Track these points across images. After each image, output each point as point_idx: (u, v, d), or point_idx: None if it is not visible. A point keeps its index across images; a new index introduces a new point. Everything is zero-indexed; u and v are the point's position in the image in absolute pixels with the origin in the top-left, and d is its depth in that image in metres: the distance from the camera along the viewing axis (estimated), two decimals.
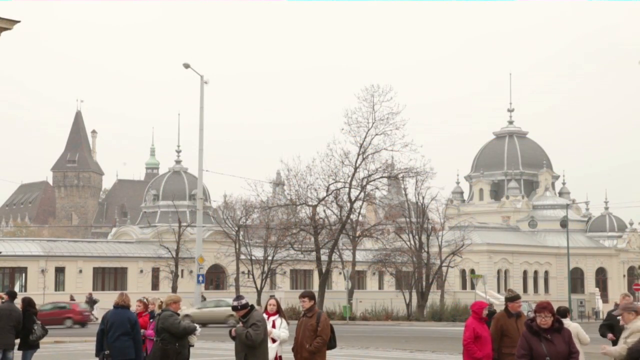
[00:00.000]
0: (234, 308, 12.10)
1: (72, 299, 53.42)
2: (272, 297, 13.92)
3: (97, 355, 14.22)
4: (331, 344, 12.51)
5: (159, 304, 15.07)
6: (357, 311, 58.15)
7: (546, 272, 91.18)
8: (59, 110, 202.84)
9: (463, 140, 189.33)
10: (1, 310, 16.65)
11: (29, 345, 16.98)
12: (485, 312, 12.99)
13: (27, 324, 16.82)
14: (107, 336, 13.86)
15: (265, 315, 13.08)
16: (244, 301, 12.10)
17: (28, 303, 17.06)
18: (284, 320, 13.17)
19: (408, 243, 61.97)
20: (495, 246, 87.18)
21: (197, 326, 13.57)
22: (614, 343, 13.96)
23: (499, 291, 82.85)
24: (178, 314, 13.14)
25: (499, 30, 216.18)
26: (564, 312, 16.36)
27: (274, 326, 12.99)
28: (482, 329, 12.68)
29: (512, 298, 13.13)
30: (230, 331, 12.26)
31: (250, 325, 11.84)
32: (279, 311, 13.24)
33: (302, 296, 12.61)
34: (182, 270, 64.82)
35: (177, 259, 62.28)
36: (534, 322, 9.32)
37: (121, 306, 14.06)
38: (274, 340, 12.88)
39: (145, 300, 16.54)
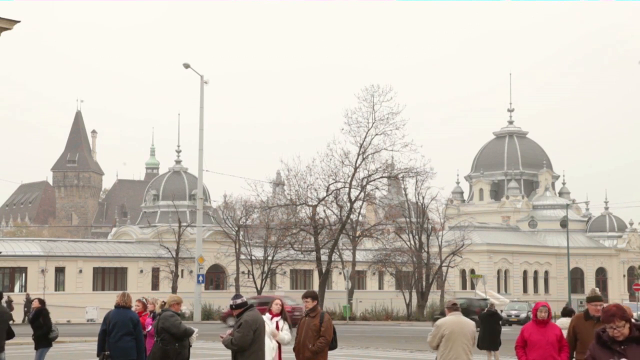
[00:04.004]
0: (230, 307, 11.73)
1: (9, 299, 52.74)
2: (279, 298, 13.78)
3: (98, 355, 14.13)
4: (332, 344, 12.45)
5: (160, 304, 15.06)
6: (357, 311, 58.14)
7: (546, 272, 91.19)
8: (59, 110, 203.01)
9: (463, 140, 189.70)
10: None
11: (49, 343, 17.46)
12: (540, 314, 11.90)
13: (46, 322, 17.32)
14: (109, 336, 13.81)
15: (269, 316, 13.04)
16: (239, 300, 11.58)
17: (44, 302, 17.35)
18: (286, 322, 12.98)
19: (408, 243, 61.98)
20: (495, 246, 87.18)
21: (195, 329, 13.49)
22: None
23: (498, 291, 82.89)
24: (179, 314, 13.11)
25: (499, 30, 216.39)
26: (569, 313, 16.41)
27: (277, 327, 12.84)
28: (534, 332, 11.84)
29: (591, 299, 11.60)
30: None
31: (238, 326, 11.41)
32: (282, 312, 13.08)
33: (304, 296, 12.49)
34: (182, 270, 64.78)
35: (177, 259, 62.25)
36: (606, 332, 7.60)
37: (123, 306, 14.04)
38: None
39: (144, 300, 16.54)
